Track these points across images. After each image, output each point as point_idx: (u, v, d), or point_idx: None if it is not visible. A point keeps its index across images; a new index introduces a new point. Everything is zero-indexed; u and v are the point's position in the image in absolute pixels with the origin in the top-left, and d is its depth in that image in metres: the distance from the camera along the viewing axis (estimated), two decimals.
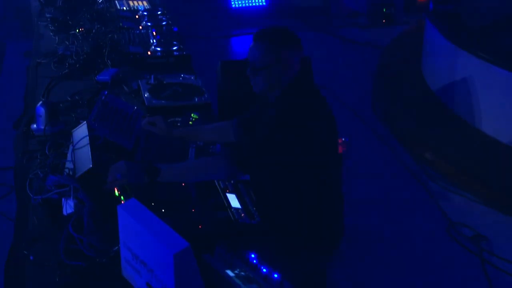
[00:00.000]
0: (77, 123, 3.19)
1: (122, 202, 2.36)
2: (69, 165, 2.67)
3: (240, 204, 2.66)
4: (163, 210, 2.40)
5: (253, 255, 2.25)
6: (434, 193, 4.60)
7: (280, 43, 2.56)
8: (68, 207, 2.50)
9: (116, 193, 2.40)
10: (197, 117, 3.29)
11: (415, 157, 5.04)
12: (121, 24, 4.77)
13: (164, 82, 3.72)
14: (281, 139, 2.49)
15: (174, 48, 4.28)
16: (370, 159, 5.06)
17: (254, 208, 2.66)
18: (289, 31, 2.64)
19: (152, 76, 3.71)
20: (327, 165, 2.67)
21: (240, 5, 8.18)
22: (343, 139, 3.62)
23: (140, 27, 4.70)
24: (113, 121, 2.87)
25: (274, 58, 2.54)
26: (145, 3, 5.48)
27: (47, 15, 5.03)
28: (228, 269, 2.16)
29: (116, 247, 2.25)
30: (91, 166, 2.34)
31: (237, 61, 3.25)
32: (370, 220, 4.25)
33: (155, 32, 4.53)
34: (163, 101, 3.49)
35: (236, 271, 2.15)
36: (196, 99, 3.54)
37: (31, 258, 2.33)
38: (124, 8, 5.28)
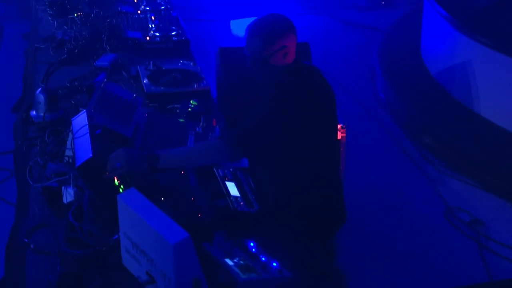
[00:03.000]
0: (76, 110, 3.20)
1: (122, 191, 2.37)
2: (68, 152, 2.68)
3: (239, 192, 2.67)
4: (162, 199, 2.41)
5: (252, 244, 2.26)
6: (432, 177, 4.62)
7: (276, 33, 2.58)
8: (68, 195, 2.52)
9: (116, 182, 2.41)
10: (196, 103, 3.29)
11: (414, 142, 5.05)
12: (119, 8, 4.75)
13: (163, 68, 3.72)
14: (279, 117, 2.52)
15: (173, 33, 4.27)
16: (369, 143, 5.07)
17: (253, 196, 2.68)
18: (282, 18, 2.65)
19: (151, 62, 3.71)
20: (325, 148, 2.68)
21: None
22: (342, 124, 3.63)
23: (139, 12, 4.68)
24: (112, 109, 2.87)
25: (273, 48, 2.56)
26: None
27: None
28: (227, 257, 2.17)
29: (116, 236, 2.27)
30: (90, 155, 2.34)
31: (236, 47, 3.24)
32: (369, 205, 4.27)
33: (154, 17, 4.51)
34: (162, 88, 3.50)
35: (235, 260, 2.16)
36: (195, 86, 3.55)
37: (31, 246, 2.35)
38: None
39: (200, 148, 2.69)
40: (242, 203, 2.61)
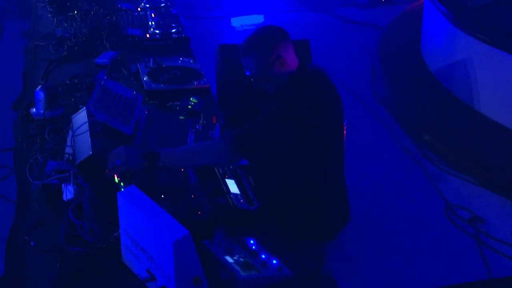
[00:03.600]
0: (76, 107, 3.21)
1: (122, 189, 2.37)
2: (68, 150, 2.68)
3: (239, 190, 2.66)
4: (162, 196, 2.41)
5: (252, 241, 2.27)
6: (432, 175, 4.62)
7: (267, 45, 2.60)
8: (68, 192, 2.52)
9: (116, 179, 2.41)
10: (196, 101, 3.29)
11: (414, 139, 5.05)
12: (119, 5, 4.75)
13: (163, 65, 3.72)
14: (283, 122, 2.52)
15: (173, 30, 4.28)
16: (368, 140, 5.07)
17: (253, 194, 2.68)
18: (270, 29, 2.68)
19: (151, 60, 3.72)
20: (329, 151, 2.68)
21: None
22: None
23: (139, 9, 4.68)
24: (112, 106, 2.87)
25: (268, 60, 2.58)
26: None
27: None
28: (227, 255, 2.18)
29: (116, 233, 2.27)
30: (90, 153, 2.35)
31: (235, 45, 3.23)
32: (368, 202, 4.27)
33: (154, 14, 4.51)
34: (162, 85, 3.50)
35: (235, 257, 2.17)
36: (195, 83, 3.55)
37: (31, 243, 2.35)
38: None
39: (201, 147, 2.69)
40: (242, 200, 2.61)
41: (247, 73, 2.67)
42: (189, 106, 3.24)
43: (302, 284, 2.30)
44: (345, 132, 3.67)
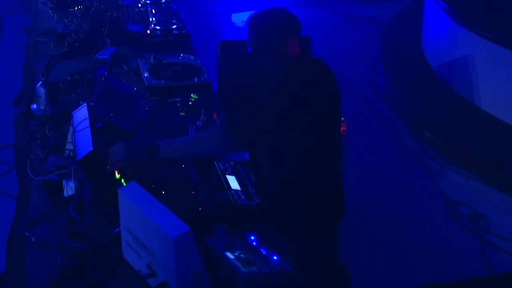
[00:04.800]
0: (77, 103, 3.20)
1: (123, 184, 2.37)
2: (69, 146, 2.69)
3: (240, 186, 2.67)
4: (163, 193, 2.41)
5: (252, 237, 2.27)
6: (433, 171, 4.62)
7: (271, 32, 2.57)
8: (69, 188, 2.52)
9: (117, 175, 2.41)
10: (196, 97, 3.30)
11: (415, 135, 5.05)
12: (120, 1, 4.74)
13: (164, 61, 3.72)
14: (280, 109, 2.51)
15: (174, 26, 4.27)
16: (369, 137, 5.07)
17: (254, 190, 2.68)
18: (283, 17, 2.62)
19: (152, 56, 3.71)
20: (327, 142, 2.68)
21: None
22: (343, 118, 3.62)
23: (139, 5, 4.68)
24: (113, 102, 2.87)
25: (266, 45, 2.56)
26: None
27: None
28: (227, 251, 2.17)
29: (117, 229, 2.27)
30: (91, 149, 2.35)
31: (237, 41, 3.23)
32: (369, 198, 4.27)
33: (154, 10, 4.51)
34: (162, 81, 3.50)
35: (236, 253, 2.17)
36: (196, 79, 3.55)
37: (32, 239, 2.35)
38: None
39: (200, 137, 2.69)
40: (242, 196, 2.61)
41: (247, 41, 2.64)
42: (190, 103, 3.25)
43: (302, 279, 2.30)
44: (345, 127, 3.68)
